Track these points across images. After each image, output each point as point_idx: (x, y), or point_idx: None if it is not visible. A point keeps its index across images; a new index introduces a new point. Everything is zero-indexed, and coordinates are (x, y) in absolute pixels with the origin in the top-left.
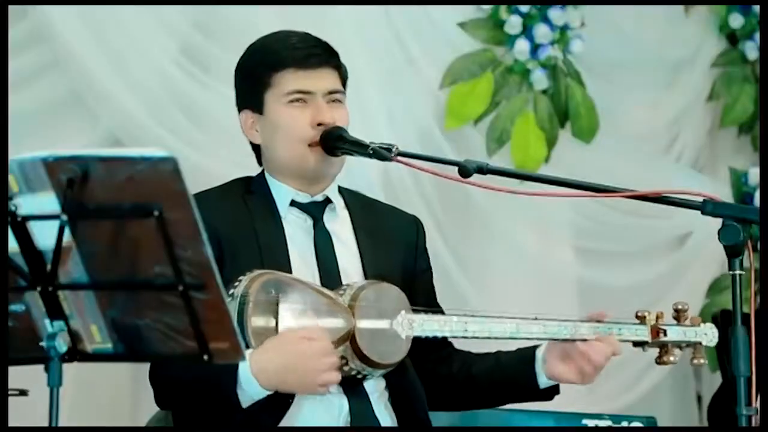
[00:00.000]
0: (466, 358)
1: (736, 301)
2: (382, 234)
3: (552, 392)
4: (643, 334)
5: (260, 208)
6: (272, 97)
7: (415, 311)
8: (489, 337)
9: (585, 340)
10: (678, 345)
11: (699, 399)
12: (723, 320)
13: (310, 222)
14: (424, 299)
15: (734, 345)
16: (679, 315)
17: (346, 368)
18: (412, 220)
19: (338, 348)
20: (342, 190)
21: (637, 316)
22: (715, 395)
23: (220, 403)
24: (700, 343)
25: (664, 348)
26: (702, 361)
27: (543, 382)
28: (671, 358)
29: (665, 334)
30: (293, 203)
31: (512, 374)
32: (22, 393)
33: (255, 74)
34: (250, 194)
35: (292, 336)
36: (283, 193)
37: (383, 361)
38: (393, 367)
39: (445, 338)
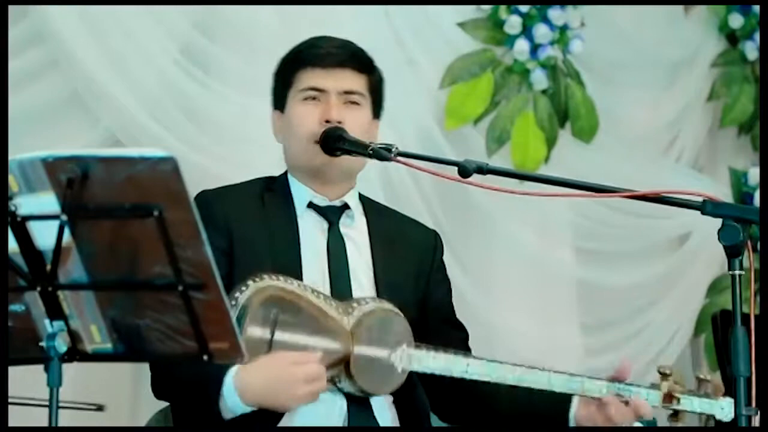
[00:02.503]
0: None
1: (735, 301)
2: (398, 244)
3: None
4: (655, 399)
5: (277, 207)
6: (291, 94)
7: (417, 347)
8: (490, 381)
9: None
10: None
11: None
12: (723, 320)
13: (325, 225)
14: (438, 313)
15: (734, 345)
16: (699, 385)
17: (339, 385)
18: (431, 234)
19: (332, 369)
20: (362, 198)
21: (658, 371)
22: None
23: (205, 408)
24: (714, 416)
25: (673, 417)
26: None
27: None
28: (679, 424)
29: (678, 402)
30: (311, 205)
31: (541, 413)
32: (99, 408)
33: (281, 74)
34: (269, 192)
35: (283, 357)
36: (301, 194)
37: (373, 391)
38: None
39: (467, 349)
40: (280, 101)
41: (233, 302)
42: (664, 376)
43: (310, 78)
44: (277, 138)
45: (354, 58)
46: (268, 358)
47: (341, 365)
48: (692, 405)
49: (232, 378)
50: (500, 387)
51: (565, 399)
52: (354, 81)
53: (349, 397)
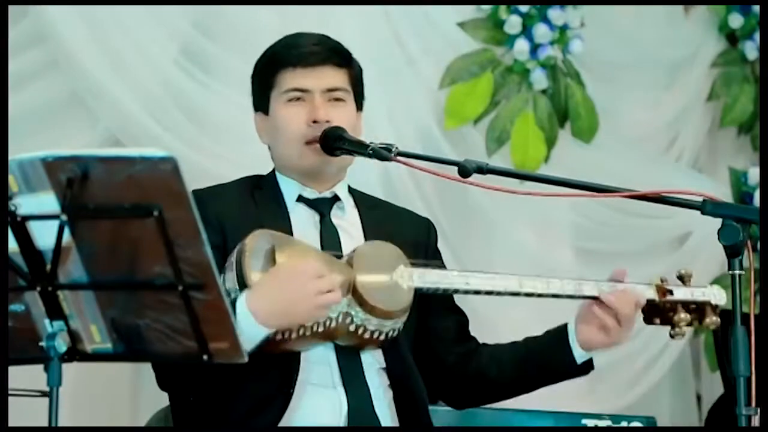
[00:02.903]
0: (494, 350)
1: (735, 301)
2: (392, 233)
3: (588, 366)
4: (651, 292)
5: (268, 202)
6: (274, 96)
7: (413, 265)
8: (491, 292)
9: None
10: (687, 308)
11: (699, 399)
12: (723, 320)
13: (317, 217)
14: (438, 299)
15: (734, 345)
16: (683, 280)
17: (351, 326)
18: (424, 221)
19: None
20: (352, 190)
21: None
22: (715, 404)
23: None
24: (709, 303)
25: (674, 317)
26: (715, 318)
27: (579, 355)
28: (683, 327)
29: (671, 294)
30: (300, 199)
31: (547, 355)
32: (44, 394)
33: (261, 76)
34: (259, 190)
35: (284, 267)
36: (290, 188)
37: (387, 308)
38: (400, 318)
39: (467, 333)
40: (262, 103)
41: (229, 263)
42: (652, 282)
43: (292, 79)
44: (261, 139)
45: (334, 54)
46: (271, 272)
47: (348, 295)
48: (685, 293)
49: (243, 302)
50: (497, 350)
51: (561, 330)
52: (336, 77)
53: (349, 391)
